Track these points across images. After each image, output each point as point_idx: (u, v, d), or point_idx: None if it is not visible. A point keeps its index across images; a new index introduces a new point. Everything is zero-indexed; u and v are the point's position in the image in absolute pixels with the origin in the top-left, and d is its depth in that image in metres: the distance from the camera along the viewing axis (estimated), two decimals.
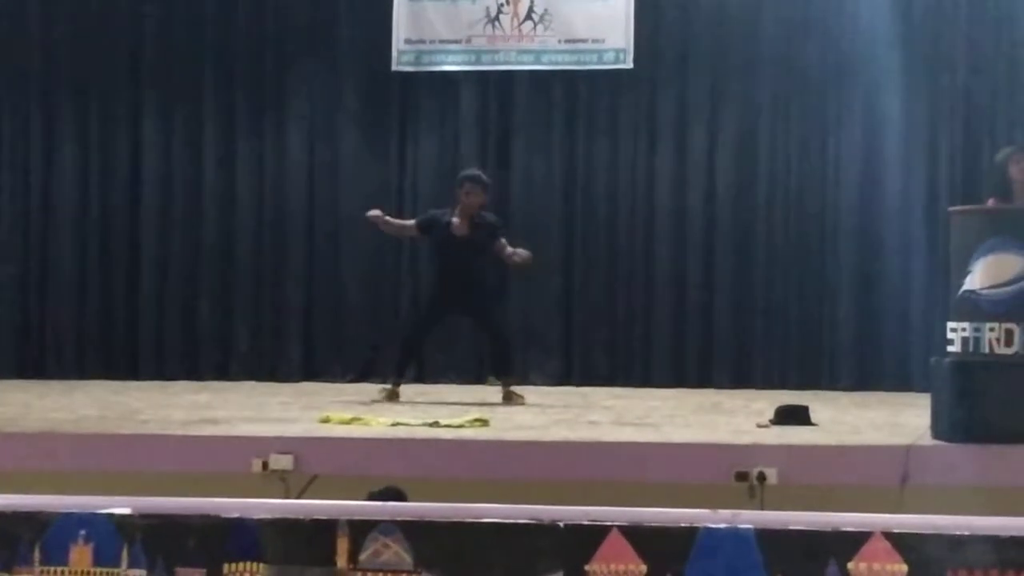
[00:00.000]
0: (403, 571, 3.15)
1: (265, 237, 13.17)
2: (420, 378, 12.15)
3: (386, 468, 7.33)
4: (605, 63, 12.70)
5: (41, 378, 12.63)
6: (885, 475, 7.25)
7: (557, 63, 12.79)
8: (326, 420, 8.76)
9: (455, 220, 10.49)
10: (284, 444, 7.63)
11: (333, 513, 3.19)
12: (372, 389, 10.85)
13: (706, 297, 12.74)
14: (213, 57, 13.22)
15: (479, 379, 12.06)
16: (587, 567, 3.09)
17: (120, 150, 13.26)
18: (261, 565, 3.19)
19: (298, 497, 7.17)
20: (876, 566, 3.01)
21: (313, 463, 7.54)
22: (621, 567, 3.09)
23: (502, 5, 12.75)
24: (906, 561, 3.00)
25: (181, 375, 12.76)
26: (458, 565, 3.12)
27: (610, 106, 12.92)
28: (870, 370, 12.32)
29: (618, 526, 3.09)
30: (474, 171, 10.95)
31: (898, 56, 12.27)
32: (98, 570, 3.22)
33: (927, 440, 7.75)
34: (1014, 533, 3.00)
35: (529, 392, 10.87)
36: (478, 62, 12.90)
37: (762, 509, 6.75)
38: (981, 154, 11.87)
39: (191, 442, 7.85)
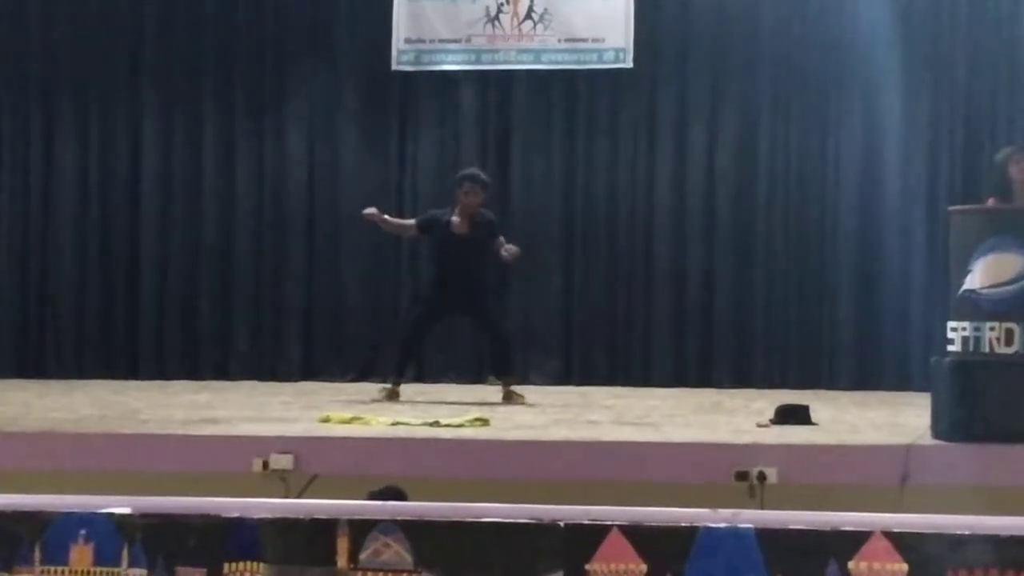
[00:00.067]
0: (403, 571, 3.15)
1: (265, 237, 13.17)
2: (420, 378, 12.15)
3: (386, 468, 7.33)
4: (605, 62, 12.70)
5: (41, 378, 12.62)
6: (885, 475, 7.25)
7: (557, 62, 12.79)
8: (326, 420, 8.76)
9: (455, 219, 10.49)
10: (284, 444, 7.64)
11: (333, 513, 3.19)
12: (372, 388, 10.86)
13: (706, 297, 12.74)
14: (213, 57, 13.22)
15: (479, 379, 12.06)
16: (587, 566, 3.09)
17: (120, 150, 13.26)
18: (261, 565, 3.19)
19: (298, 497, 7.17)
20: (876, 565, 3.01)
21: (313, 463, 7.54)
22: (621, 567, 3.09)
23: (502, 4, 12.75)
24: (906, 560, 3.00)
25: (181, 375, 12.76)
26: (458, 565, 3.12)
27: (610, 106, 12.92)
28: (870, 370, 12.32)
29: (618, 525, 3.09)
30: (473, 170, 10.95)
31: (898, 56, 12.27)
32: (98, 569, 3.22)
33: (927, 440, 7.75)
34: (1014, 532, 3.00)
35: (529, 392, 10.87)
36: (478, 61, 12.90)
37: (762, 508, 6.75)
38: (981, 154, 11.86)
39: (191, 442, 7.85)
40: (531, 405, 10.21)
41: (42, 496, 3.37)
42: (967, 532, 3.00)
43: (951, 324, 7.79)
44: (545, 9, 12.71)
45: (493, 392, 10.74)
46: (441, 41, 12.84)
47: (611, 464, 7.48)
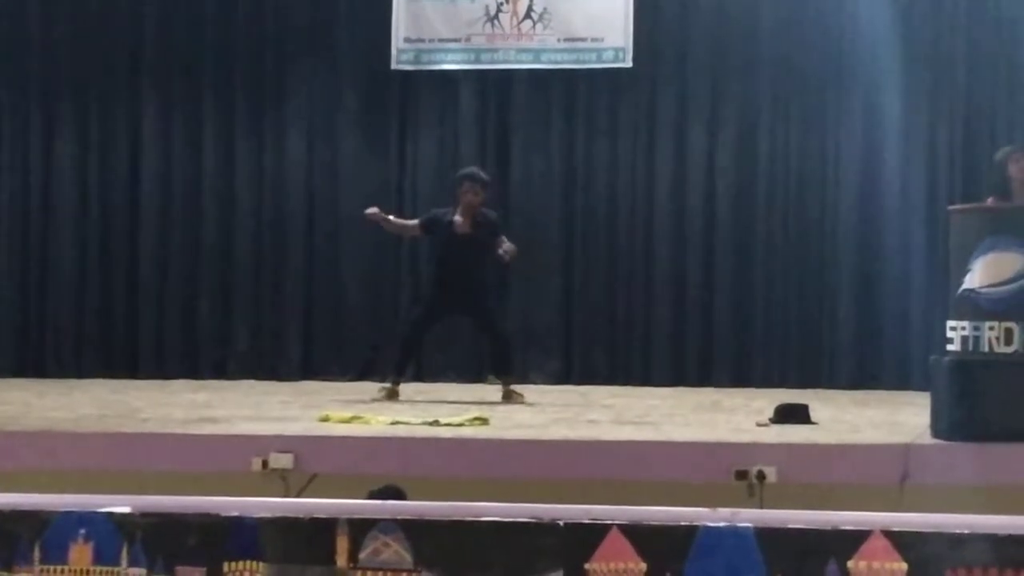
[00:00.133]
0: (403, 570, 3.15)
1: (265, 236, 13.17)
2: (420, 377, 12.16)
3: (386, 467, 7.33)
4: (604, 62, 12.70)
5: (41, 377, 12.63)
6: (885, 474, 7.25)
7: (556, 62, 12.79)
8: (326, 419, 8.76)
9: (457, 219, 10.48)
10: (284, 443, 7.64)
11: (333, 512, 3.19)
12: (372, 388, 10.86)
13: (706, 296, 12.74)
14: (213, 57, 13.22)
15: (479, 378, 12.06)
16: (587, 566, 3.09)
17: (120, 150, 13.26)
18: (261, 564, 3.19)
19: (298, 496, 7.17)
20: (876, 565, 3.01)
21: (313, 462, 7.54)
22: (621, 566, 3.09)
23: (501, 4, 12.76)
24: (905, 560, 3.00)
25: (181, 374, 12.76)
26: (458, 564, 3.12)
27: (609, 105, 12.92)
28: (870, 369, 12.33)
29: (618, 525, 3.09)
30: (472, 169, 10.94)
31: (898, 56, 12.27)
32: (98, 569, 3.22)
33: (926, 439, 7.75)
34: (1013, 531, 3.00)
35: (529, 391, 10.87)
36: (477, 61, 12.90)
37: (761, 508, 6.76)
38: (981, 154, 11.86)
39: (191, 441, 7.85)
40: (531, 404, 10.21)
41: (41, 495, 3.37)
42: (966, 531, 3.00)
43: (950, 323, 7.79)
44: (544, 8, 12.71)
45: (493, 391, 10.75)
46: (441, 40, 12.85)
47: (611, 463, 7.48)
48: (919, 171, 12.37)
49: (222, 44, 13.23)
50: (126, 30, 13.24)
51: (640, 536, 3.08)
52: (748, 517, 3.10)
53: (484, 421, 8.64)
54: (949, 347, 7.81)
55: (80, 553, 3.22)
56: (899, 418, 9.14)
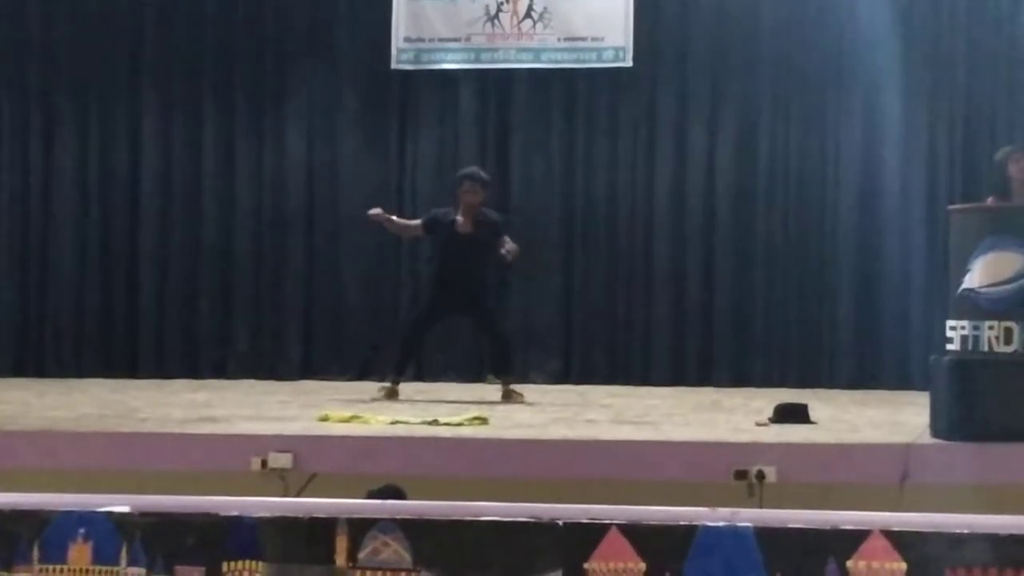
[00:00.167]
0: (402, 569, 3.15)
1: (265, 236, 13.17)
2: (419, 376, 12.16)
3: (385, 466, 7.33)
4: (604, 61, 12.70)
5: (40, 376, 12.63)
6: (884, 473, 7.25)
7: (556, 61, 12.79)
8: (325, 418, 8.76)
9: (459, 219, 10.48)
10: (283, 442, 7.64)
11: (332, 511, 3.19)
12: (371, 387, 10.86)
13: (705, 296, 12.74)
14: (213, 57, 13.22)
15: (478, 378, 12.06)
16: (586, 565, 3.09)
17: (120, 150, 13.26)
18: (260, 563, 3.18)
19: (297, 495, 7.17)
20: (875, 564, 3.01)
21: (312, 461, 7.54)
22: (620, 565, 3.09)
23: (501, 3, 12.76)
24: (905, 559, 3.00)
25: (181, 374, 12.76)
26: (457, 563, 3.12)
27: (609, 105, 12.92)
28: (869, 368, 12.33)
29: (617, 524, 3.09)
30: (472, 169, 10.94)
31: (898, 56, 12.27)
32: (97, 568, 3.22)
33: (926, 438, 7.75)
34: (1013, 531, 3.00)
35: (528, 391, 10.87)
36: (477, 60, 12.91)
37: (761, 507, 6.75)
38: (981, 154, 11.87)
39: (190, 440, 7.85)
40: (530, 404, 10.21)
41: (41, 495, 3.37)
42: (966, 531, 3.00)
43: (950, 323, 7.79)
44: (545, 8, 12.71)
45: (492, 391, 10.75)
46: (441, 40, 12.85)
47: (610, 463, 7.48)
48: (919, 171, 12.38)
49: (222, 44, 13.23)
50: (126, 30, 13.25)
51: (639, 536, 3.08)
52: (747, 517, 3.10)
53: (483, 421, 8.64)
54: (949, 347, 7.81)
55: (79, 552, 3.22)
56: (899, 418, 9.14)
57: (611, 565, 3.09)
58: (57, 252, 13.25)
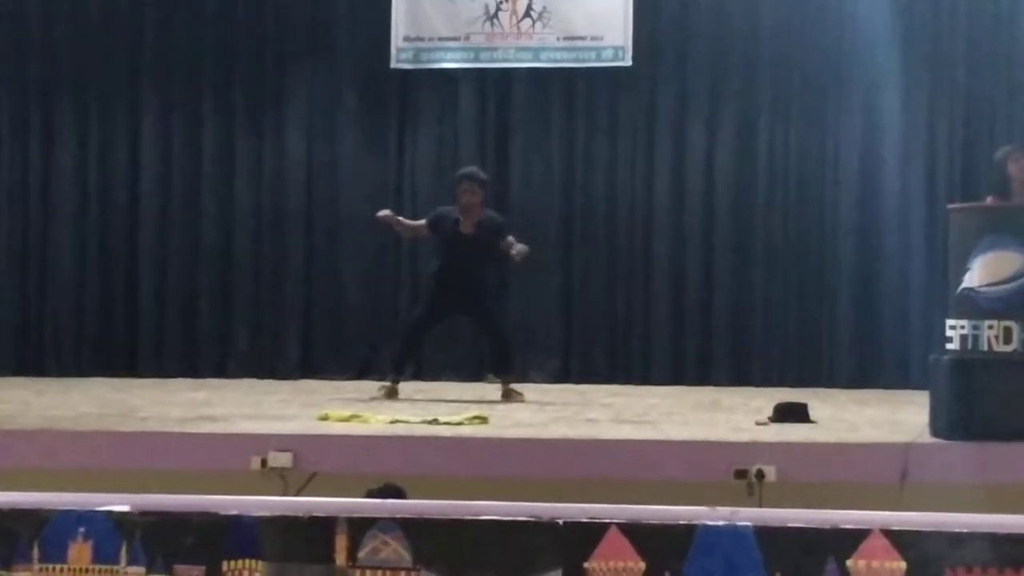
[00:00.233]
0: (402, 568, 3.14)
1: (264, 235, 13.17)
2: (419, 376, 12.16)
3: (385, 465, 7.33)
4: (604, 61, 12.70)
5: (40, 375, 12.63)
6: (884, 472, 7.25)
7: (556, 61, 12.79)
8: (325, 417, 8.76)
9: (462, 219, 10.47)
10: (283, 441, 7.64)
11: (332, 510, 3.19)
12: (371, 386, 10.86)
13: (705, 295, 12.74)
14: (213, 57, 13.21)
15: (478, 377, 12.06)
16: (586, 564, 3.09)
17: (119, 149, 13.26)
18: (260, 563, 3.18)
19: (297, 495, 7.17)
20: (875, 563, 3.01)
21: (312, 460, 7.54)
22: (620, 564, 3.09)
23: (501, 3, 12.75)
24: (905, 558, 3.00)
25: (180, 374, 12.76)
26: (457, 562, 3.12)
27: (609, 104, 12.92)
28: (869, 368, 12.33)
29: (617, 523, 3.09)
30: (471, 169, 10.93)
31: (898, 56, 12.27)
32: (97, 567, 3.22)
33: (926, 437, 7.75)
34: (1012, 531, 3.00)
35: (528, 390, 10.87)
36: (477, 59, 12.90)
37: (761, 507, 6.76)
38: (980, 153, 11.88)
39: (190, 439, 7.85)
40: (530, 403, 10.21)
41: (40, 494, 3.37)
42: (966, 530, 3.00)
43: (950, 322, 7.80)
44: (544, 7, 12.71)
45: (492, 390, 10.75)
46: (440, 39, 12.84)
47: (610, 462, 7.48)
48: (918, 170, 12.37)
49: (222, 44, 13.22)
50: (126, 30, 13.24)
51: (639, 535, 3.08)
52: (747, 516, 3.10)
53: (483, 420, 8.64)
54: (948, 346, 7.81)
55: (79, 552, 3.22)
56: (898, 417, 9.14)
57: (611, 564, 3.09)
58: (57, 252, 13.25)
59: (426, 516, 3.16)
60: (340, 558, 3.15)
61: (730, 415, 9.42)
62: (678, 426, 8.79)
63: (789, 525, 3.07)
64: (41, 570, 3.23)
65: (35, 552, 3.23)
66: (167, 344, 13.10)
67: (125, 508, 3.23)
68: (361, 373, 12.52)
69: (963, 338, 7.69)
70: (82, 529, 3.22)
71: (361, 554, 3.15)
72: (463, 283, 10.41)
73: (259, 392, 11.13)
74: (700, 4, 12.76)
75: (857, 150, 12.53)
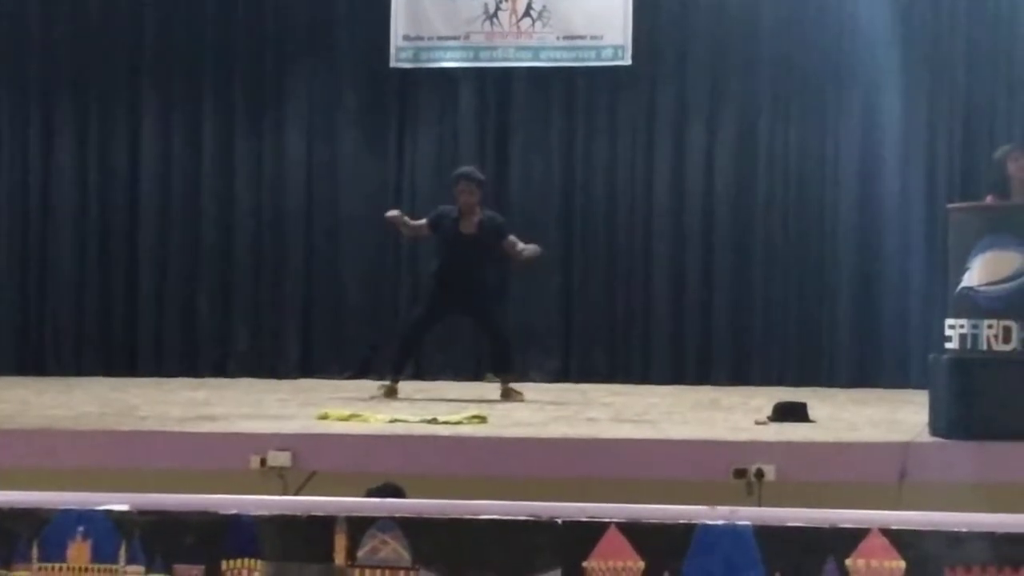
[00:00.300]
0: (401, 568, 3.14)
1: (264, 235, 13.17)
2: (418, 375, 12.16)
3: (384, 465, 7.33)
4: (603, 60, 12.70)
5: (40, 375, 12.63)
6: (883, 472, 7.25)
7: (555, 60, 12.79)
8: (324, 416, 8.76)
9: (462, 218, 10.47)
10: (282, 441, 7.64)
11: (331, 510, 3.19)
12: (371, 386, 10.86)
13: (705, 295, 12.74)
14: (213, 57, 13.22)
15: (477, 376, 12.07)
16: (585, 564, 3.09)
17: (119, 149, 13.26)
18: (259, 562, 3.18)
19: (296, 494, 7.17)
20: (874, 563, 3.01)
21: (311, 460, 7.54)
22: (619, 564, 3.08)
23: (500, 2, 12.76)
24: (904, 558, 3.00)
25: (180, 373, 12.76)
26: (456, 562, 3.12)
27: (609, 103, 12.92)
28: (868, 367, 12.34)
29: (616, 523, 3.09)
30: (467, 169, 10.92)
31: (898, 56, 12.27)
32: (96, 566, 3.22)
33: (925, 437, 7.75)
34: (1012, 530, 3.00)
35: (528, 389, 10.87)
36: (476, 59, 12.90)
37: (760, 506, 6.75)
38: (980, 153, 11.88)
39: (189, 439, 7.85)
40: (529, 402, 10.21)
41: (40, 493, 3.37)
42: (965, 529, 3.00)
43: (949, 321, 7.79)
44: (544, 6, 12.71)
45: (491, 389, 10.75)
46: (440, 38, 12.84)
47: (609, 461, 7.48)
48: (918, 170, 12.38)
49: (222, 44, 13.22)
50: (126, 30, 13.24)
51: (638, 534, 3.08)
52: (747, 515, 3.10)
53: (482, 419, 8.64)
54: (948, 345, 7.81)
55: (78, 551, 3.22)
56: (898, 416, 9.14)
57: (610, 564, 3.09)
58: (57, 251, 13.25)
59: (425, 515, 3.16)
60: (339, 557, 3.15)
61: (729, 414, 9.42)
62: (678, 425, 8.79)
63: (788, 524, 3.07)
64: (40, 569, 3.23)
65: (34, 551, 3.23)
66: (167, 344, 13.10)
67: (124, 507, 3.23)
68: (361, 372, 12.53)
69: (962, 337, 7.69)
70: (81, 528, 3.22)
71: (360, 553, 3.15)
72: (463, 283, 10.41)
73: (259, 391, 11.13)
74: (700, 4, 12.76)
75: (857, 150, 12.53)
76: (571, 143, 12.96)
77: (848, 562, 3.02)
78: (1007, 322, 7.54)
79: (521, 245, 10.50)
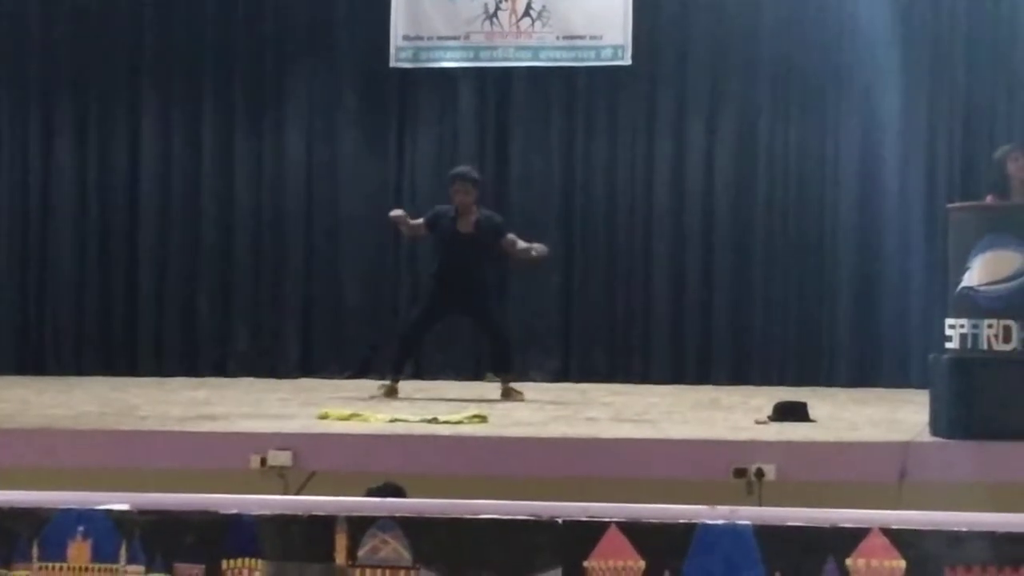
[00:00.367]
0: (401, 567, 3.14)
1: (264, 235, 13.17)
2: (418, 375, 12.16)
3: (385, 464, 7.33)
4: (603, 60, 12.70)
5: (40, 374, 12.63)
6: (883, 471, 7.25)
7: (555, 60, 12.79)
8: (324, 416, 8.76)
9: (459, 218, 10.47)
10: (283, 440, 7.64)
11: (331, 509, 3.19)
12: (371, 385, 10.87)
13: (705, 294, 12.74)
14: (213, 57, 13.22)
15: (477, 376, 12.07)
16: (585, 563, 3.09)
17: (119, 149, 13.26)
18: (259, 561, 3.18)
19: (297, 493, 7.17)
20: (874, 562, 3.01)
21: (312, 459, 7.54)
22: (619, 563, 3.08)
23: (500, 2, 12.76)
24: (904, 557, 3.00)
25: (180, 373, 12.76)
26: (457, 561, 3.12)
27: (608, 103, 12.92)
28: (868, 367, 12.34)
29: (616, 522, 3.09)
30: (462, 168, 10.91)
31: (898, 56, 12.27)
32: (96, 566, 3.22)
33: (925, 436, 7.75)
34: (1012, 529, 3.00)
35: (528, 389, 10.87)
36: (476, 59, 12.90)
37: (760, 505, 6.75)
38: (980, 153, 11.87)
39: (189, 438, 7.85)
40: (529, 402, 10.21)
41: (40, 492, 3.37)
42: (965, 529, 3.00)
43: (949, 321, 7.80)
44: (543, 6, 12.71)
45: (492, 389, 10.75)
46: (440, 38, 12.84)
47: (609, 461, 7.48)
48: (918, 170, 12.38)
49: (222, 44, 13.22)
50: (126, 30, 13.24)
51: (639, 534, 3.08)
52: (747, 515, 3.10)
53: (483, 419, 8.64)
54: (948, 345, 7.82)
55: (79, 550, 3.22)
56: (898, 416, 9.14)
57: (610, 563, 3.09)
58: (57, 251, 13.25)
59: (426, 515, 3.16)
60: (340, 557, 3.15)
61: (730, 414, 9.42)
62: (678, 425, 8.79)
63: (788, 524, 3.07)
64: (40, 569, 3.23)
65: (35, 551, 3.23)
66: (167, 343, 13.10)
67: (125, 507, 3.23)
68: (361, 372, 12.53)
69: (963, 337, 7.69)
70: (81, 528, 3.22)
71: (361, 553, 3.15)
72: (462, 283, 10.41)
73: (259, 391, 11.13)
74: (700, 4, 12.76)
75: (857, 150, 12.53)
76: (571, 143, 12.96)
77: (848, 562, 3.02)
78: (1007, 322, 7.55)
79: (522, 244, 10.50)
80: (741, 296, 12.68)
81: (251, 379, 12.46)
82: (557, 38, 12.73)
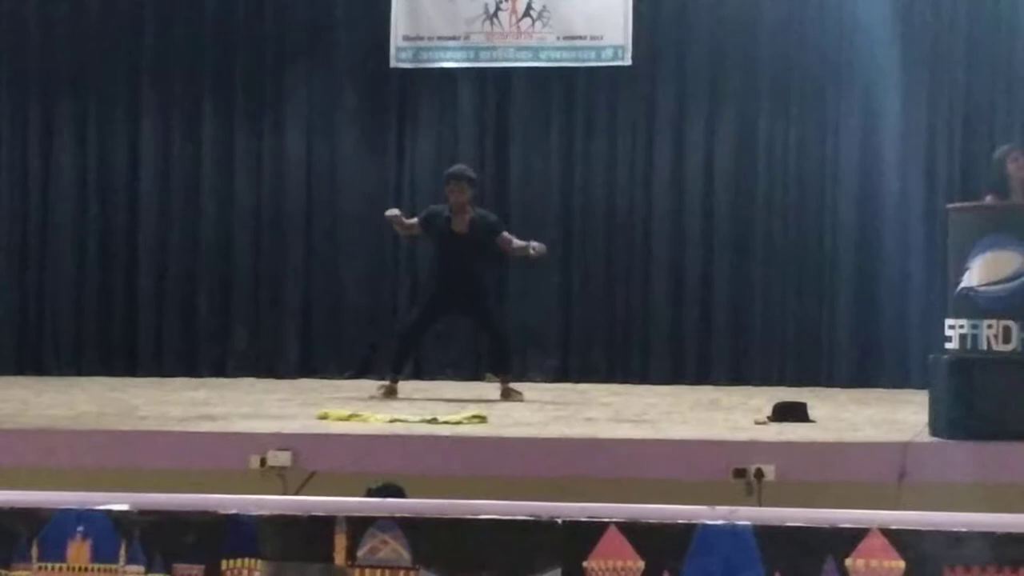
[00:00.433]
0: (401, 567, 3.15)
1: (264, 235, 13.17)
2: (418, 375, 12.16)
3: (384, 464, 7.32)
4: (603, 60, 12.70)
5: (40, 375, 12.63)
6: (883, 472, 7.25)
7: (555, 60, 12.79)
8: (324, 416, 8.76)
9: (454, 217, 10.47)
10: (282, 440, 7.63)
11: (331, 509, 3.19)
12: (370, 385, 10.87)
13: (704, 294, 12.74)
14: (213, 57, 13.21)
15: (476, 376, 12.07)
16: (585, 563, 3.09)
17: (119, 149, 13.26)
18: (259, 561, 3.18)
19: (296, 494, 7.17)
20: (874, 563, 3.01)
21: (311, 459, 7.54)
22: (619, 563, 3.09)
23: (500, 2, 12.76)
24: (903, 558, 3.00)
25: (179, 373, 12.76)
26: (456, 561, 3.12)
27: (608, 103, 12.92)
28: (868, 367, 12.33)
29: (616, 523, 3.09)
30: (457, 168, 10.89)
31: (898, 56, 12.27)
32: (96, 566, 3.22)
33: (925, 437, 7.75)
34: (1011, 530, 3.00)
35: (527, 389, 10.87)
36: (476, 59, 12.90)
37: (760, 506, 6.76)
38: (980, 153, 11.86)
39: (189, 438, 7.85)
40: (529, 402, 10.21)
41: (40, 493, 3.37)
42: (964, 529, 3.00)
43: (949, 322, 7.79)
44: (544, 6, 12.71)
45: (491, 389, 10.75)
46: (440, 38, 12.84)
47: (609, 461, 7.48)
48: (918, 170, 12.37)
49: (222, 44, 13.22)
50: (126, 30, 13.23)
51: (638, 534, 3.08)
52: (746, 515, 3.10)
53: (482, 419, 8.64)
54: (948, 345, 7.81)
55: (78, 550, 3.22)
56: (897, 416, 9.14)
57: (610, 563, 3.09)
58: (56, 251, 13.24)
59: (425, 515, 3.16)
60: (339, 557, 3.16)
61: (729, 414, 9.42)
62: (677, 425, 8.78)
63: (788, 524, 3.08)
64: (40, 569, 3.23)
65: (34, 551, 3.23)
66: (166, 343, 13.10)
67: (124, 507, 3.23)
68: (360, 372, 12.53)
69: (962, 337, 7.68)
70: (81, 528, 3.22)
71: (360, 553, 3.15)
72: (460, 283, 10.41)
73: (258, 391, 11.13)
74: (700, 4, 12.76)
75: (857, 150, 12.53)
76: (571, 143, 12.96)
77: (848, 562, 3.02)
78: (1007, 322, 7.54)
79: (519, 242, 10.49)
80: (741, 296, 12.68)
81: (251, 379, 12.46)
82: (557, 38, 12.73)
